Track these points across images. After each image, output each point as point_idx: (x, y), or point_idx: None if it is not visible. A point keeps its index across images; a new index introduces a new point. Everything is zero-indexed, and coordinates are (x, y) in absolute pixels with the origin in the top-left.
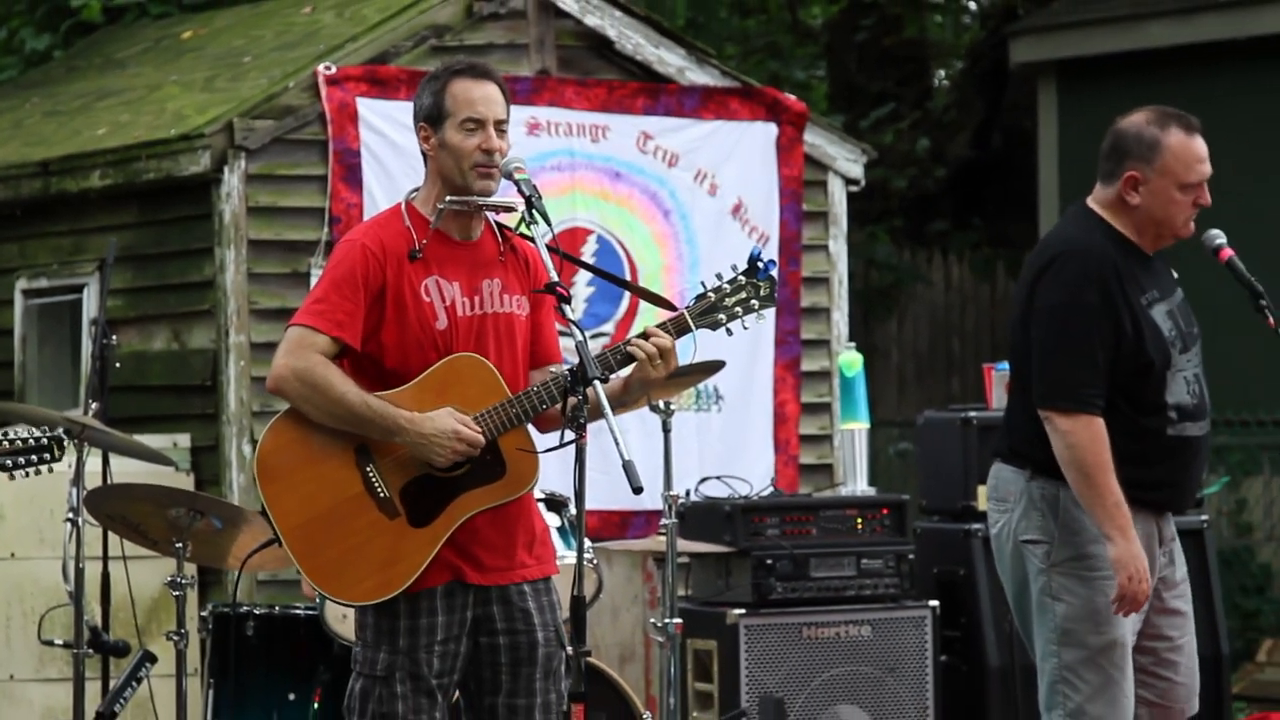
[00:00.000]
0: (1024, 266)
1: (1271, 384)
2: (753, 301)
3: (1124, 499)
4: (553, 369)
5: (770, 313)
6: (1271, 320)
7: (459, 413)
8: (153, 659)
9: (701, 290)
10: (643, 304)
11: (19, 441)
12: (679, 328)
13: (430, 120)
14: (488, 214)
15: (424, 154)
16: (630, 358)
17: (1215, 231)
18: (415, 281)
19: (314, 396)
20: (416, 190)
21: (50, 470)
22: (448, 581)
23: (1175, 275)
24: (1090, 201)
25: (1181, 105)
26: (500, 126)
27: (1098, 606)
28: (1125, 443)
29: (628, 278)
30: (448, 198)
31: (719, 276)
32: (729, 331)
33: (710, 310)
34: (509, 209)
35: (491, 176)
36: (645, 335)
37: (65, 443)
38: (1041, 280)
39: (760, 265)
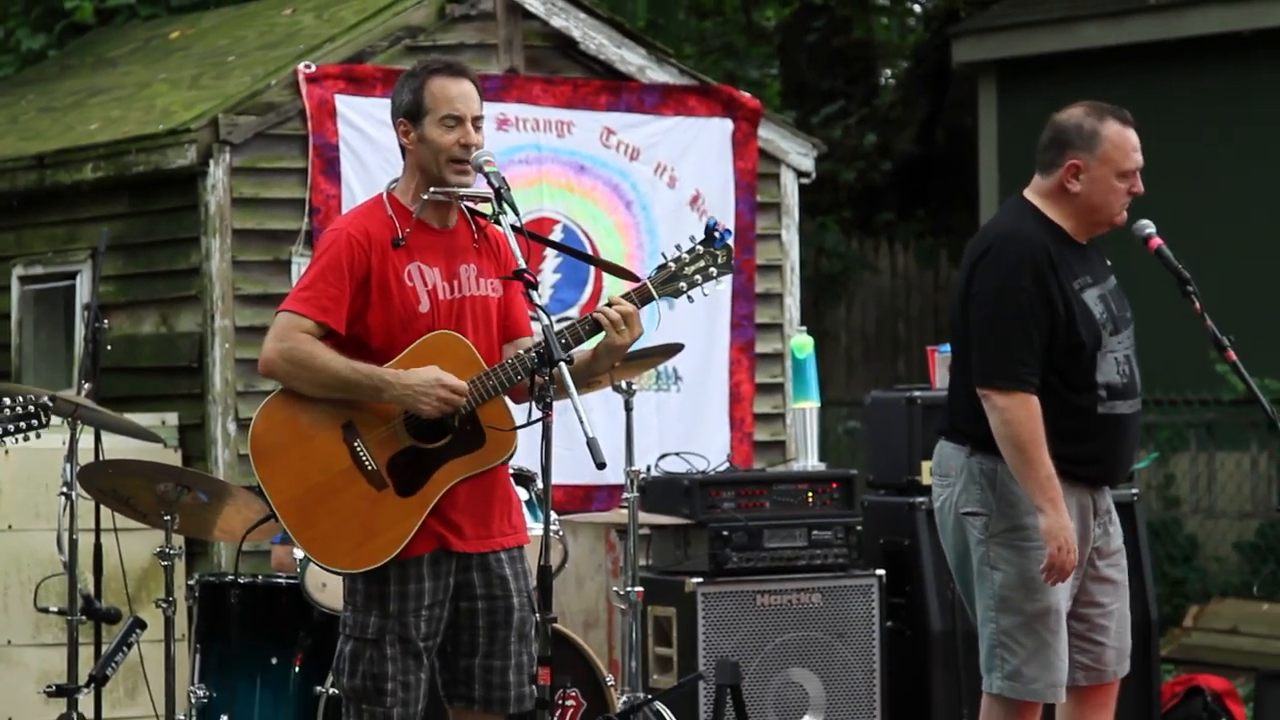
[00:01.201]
0: (964, 254)
1: (1198, 365)
2: (711, 269)
3: (1055, 473)
4: (521, 344)
5: (726, 297)
6: (1198, 305)
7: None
8: (143, 625)
9: (662, 260)
10: (606, 287)
11: (7, 410)
12: (643, 297)
13: (410, 116)
14: (464, 203)
15: (403, 148)
16: (598, 325)
17: (1145, 221)
18: (399, 267)
19: (301, 372)
20: (396, 181)
21: (39, 436)
22: (433, 549)
23: (1109, 263)
24: (1027, 193)
25: (1115, 103)
26: (476, 123)
27: (1032, 575)
28: (1059, 420)
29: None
30: (432, 189)
31: (678, 247)
32: (690, 299)
33: (671, 279)
34: (488, 199)
35: (467, 171)
36: (610, 304)
37: (50, 409)
38: (979, 266)
39: (717, 235)
